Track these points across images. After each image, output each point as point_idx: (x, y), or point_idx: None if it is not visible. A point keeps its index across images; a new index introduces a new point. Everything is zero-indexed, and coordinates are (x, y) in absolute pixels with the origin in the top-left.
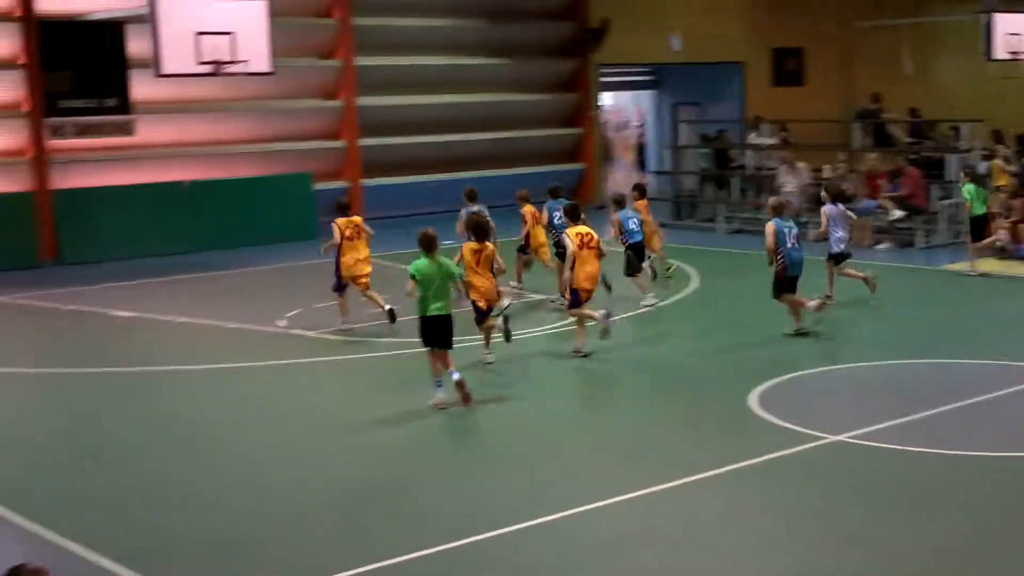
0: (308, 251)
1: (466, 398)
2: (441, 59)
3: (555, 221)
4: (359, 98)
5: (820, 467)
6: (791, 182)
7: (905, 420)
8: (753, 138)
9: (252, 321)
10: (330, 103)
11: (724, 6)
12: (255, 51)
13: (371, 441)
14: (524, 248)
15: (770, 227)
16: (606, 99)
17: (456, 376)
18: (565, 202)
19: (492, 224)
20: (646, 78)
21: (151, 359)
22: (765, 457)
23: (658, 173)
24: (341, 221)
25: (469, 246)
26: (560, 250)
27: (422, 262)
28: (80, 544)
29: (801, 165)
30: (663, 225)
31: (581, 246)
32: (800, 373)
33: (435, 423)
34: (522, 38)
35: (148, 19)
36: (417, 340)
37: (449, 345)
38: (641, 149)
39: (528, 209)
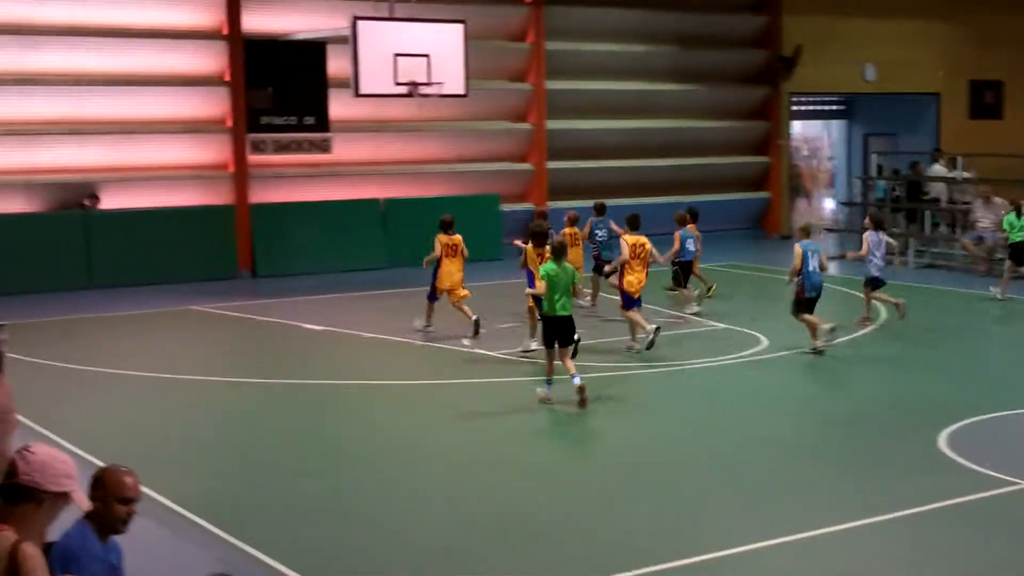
0: (494, 271)
1: (583, 402)
2: (631, 84)
3: (597, 236)
4: (548, 121)
5: (1010, 513)
6: (987, 217)
7: None
8: (934, 171)
9: (439, 339)
10: (520, 126)
11: (921, 36)
12: (450, 73)
13: (536, 465)
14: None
15: (797, 248)
16: (796, 128)
17: (577, 381)
18: (607, 219)
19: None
20: (837, 107)
21: (338, 373)
22: (953, 500)
23: (846, 204)
24: (443, 237)
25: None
26: (599, 263)
27: (551, 266)
28: (262, 552)
29: (998, 200)
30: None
31: (633, 256)
32: (995, 415)
33: (602, 455)
34: (712, 65)
35: (349, 40)
36: (596, 364)
37: (571, 342)
38: (830, 179)
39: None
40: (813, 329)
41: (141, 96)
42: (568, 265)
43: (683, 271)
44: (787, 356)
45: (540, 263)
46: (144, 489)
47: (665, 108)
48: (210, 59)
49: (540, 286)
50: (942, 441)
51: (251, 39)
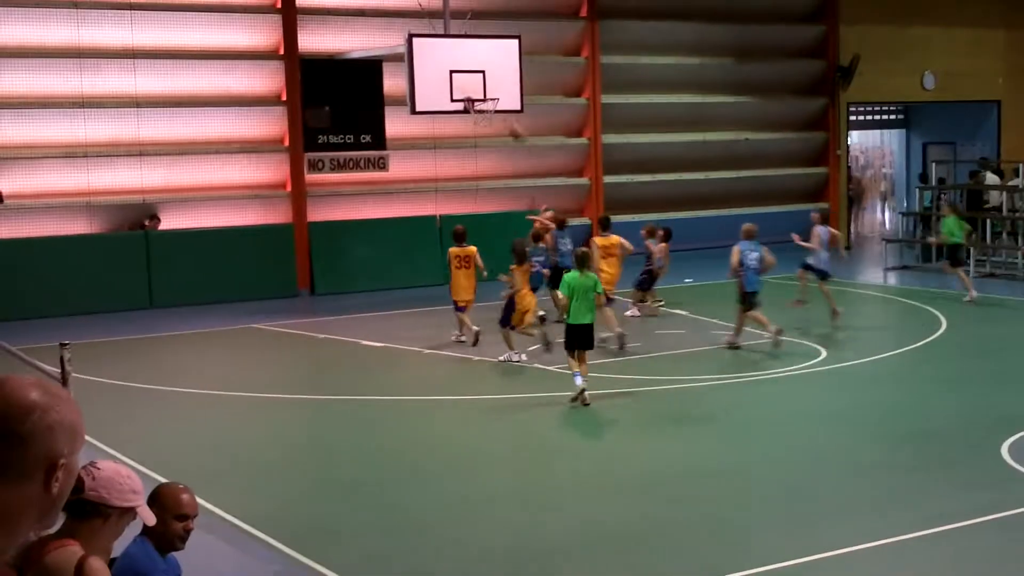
0: None
1: (578, 400)
2: (686, 97)
3: (560, 250)
4: (604, 135)
5: None
6: None
7: None
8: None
9: (494, 353)
10: (575, 140)
11: (980, 43)
12: (506, 89)
13: (616, 478)
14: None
15: (736, 249)
16: (853, 138)
17: (578, 381)
18: (566, 232)
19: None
20: (895, 116)
21: (398, 389)
22: (1017, 511)
23: (905, 214)
24: (454, 249)
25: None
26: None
27: (573, 275)
28: (323, 566)
29: None
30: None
31: (605, 254)
32: None
33: (686, 461)
34: (769, 76)
35: (404, 58)
36: (656, 378)
37: (591, 347)
38: (890, 189)
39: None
40: (762, 324)
41: (200, 117)
42: (591, 274)
43: (650, 278)
44: (846, 368)
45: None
46: (207, 505)
47: (721, 120)
48: (267, 79)
49: (562, 297)
50: (1005, 451)
51: (308, 59)
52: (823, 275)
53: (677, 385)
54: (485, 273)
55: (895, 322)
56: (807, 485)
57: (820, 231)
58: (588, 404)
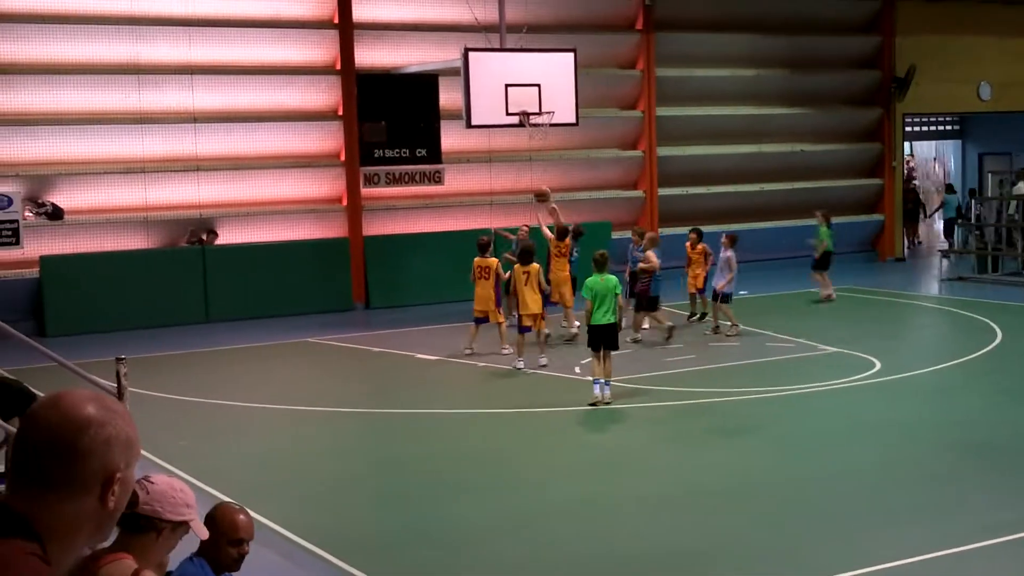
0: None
1: (595, 404)
2: (741, 109)
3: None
4: (659, 148)
5: None
6: None
7: None
8: (1018, 190)
9: (555, 368)
10: (630, 153)
11: None
12: (561, 102)
13: (672, 492)
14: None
15: (652, 255)
16: (908, 149)
17: (596, 390)
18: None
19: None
20: (950, 127)
21: (454, 402)
22: None
23: (960, 224)
24: (477, 260)
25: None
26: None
27: (593, 278)
28: None
29: None
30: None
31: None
32: None
33: (743, 474)
34: (824, 87)
35: (460, 72)
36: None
37: (614, 347)
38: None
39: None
40: (662, 323)
41: (256, 132)
42: (610, 276)
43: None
44: (902, 379)
45: (526, 283)
46: (260, 518)
47: (776, 132)
48: (324, 94)
49: (587, 304)
50: None
51: (364, 73)
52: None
53: (731, 397)
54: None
55: (950, 333)
56: (867, 497)
57: (731, 255)
58: (596, 404)
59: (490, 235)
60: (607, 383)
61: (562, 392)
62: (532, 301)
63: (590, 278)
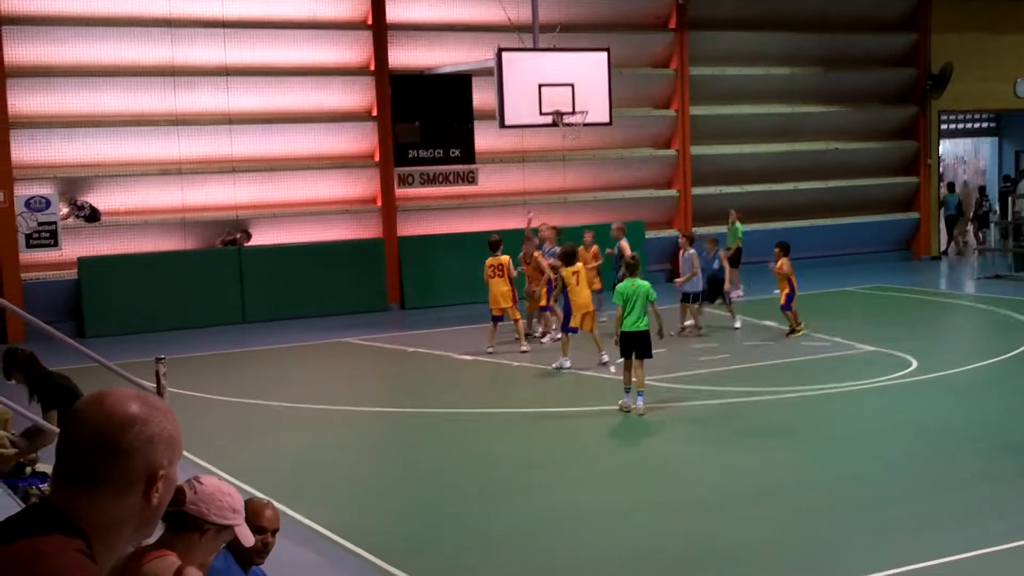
0: None
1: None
2: (775, 108)
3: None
4: (692, 147)
5: None
6: None
7: None
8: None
9: (583, 366)
10: (664, 152)
11: None
12: (595, 102)
13: (705, 493)
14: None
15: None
16: (944, 147)
17: (627, 400)
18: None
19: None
20: (987, 124)
21: (490, 401)
22: None
23: (997, 223)
24: (489, 260)
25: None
26: None
27: (625, 283)
28: None
29: None
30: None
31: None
32: None
33: (776, 474)
34: (859, 85)
35: (494, 72)
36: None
37: (647, 355)
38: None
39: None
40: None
41: (291, 133)
42: (642, 282)
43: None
44: (938, 378)
45: (577, 283)
46: (296, 516)
47: (810, 130)
48: (358, 95)
49: (617, 310)
50: None
51: (398, 74)
52: (696, 297)
53: (766, 396)
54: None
55: (987, 331)
56: (901, 497)
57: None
58: (629, 411)
59: (500, 235)
60: (640, 393)
61: (597, 393)
62: (582, 301)
63: (622, 283)
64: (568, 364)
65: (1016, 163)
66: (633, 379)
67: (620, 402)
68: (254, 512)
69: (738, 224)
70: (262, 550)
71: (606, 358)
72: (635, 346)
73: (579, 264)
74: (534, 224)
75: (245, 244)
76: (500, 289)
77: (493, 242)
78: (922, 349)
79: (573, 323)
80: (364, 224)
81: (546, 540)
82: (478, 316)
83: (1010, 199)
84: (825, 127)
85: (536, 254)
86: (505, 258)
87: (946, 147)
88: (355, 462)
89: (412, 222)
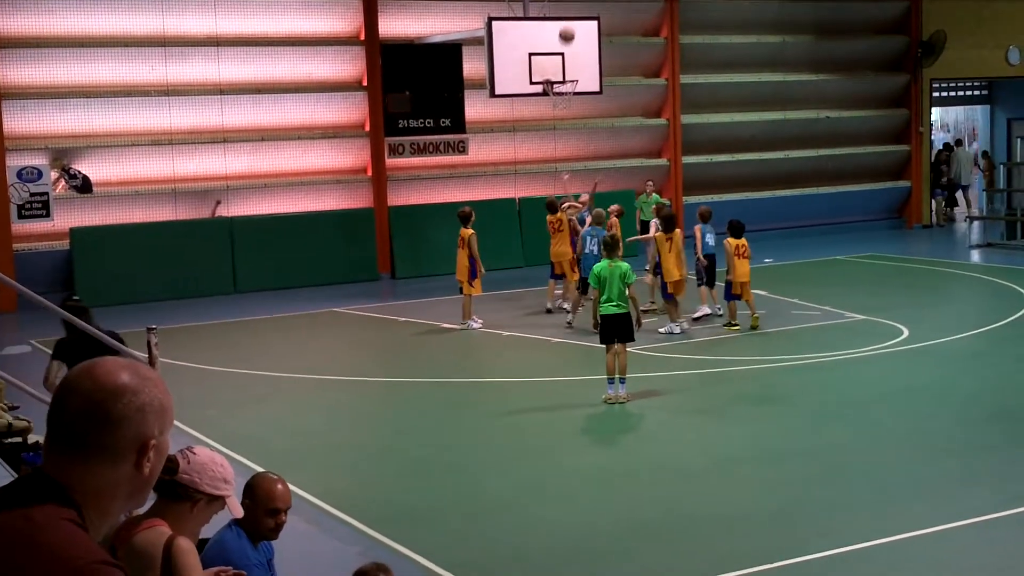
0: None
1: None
2: (766, 76)
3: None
4: (683, 116)
5: None
6: None
7: None
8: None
9: (574, 336)
10: (654, 121)
11: None
12: (585, 71)
13: (697, 461)
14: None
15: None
16: (935, 115)
17: (611, 391)
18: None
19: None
20: (979, 92)
21: (479, 371)
22: None
23: (988, 191)
24: (464, 231)
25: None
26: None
27: (602, 264)
28: (407, 548)
29: None
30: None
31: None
32: None
33: (767, 442)
34: (850, 53)
35: (484, 41)
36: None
37: (629, 338)
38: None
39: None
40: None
41: (282, 103)
42: (621, 263)
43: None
44: (929, 347)
45: (670, 250)
46: (291, 487)
47: (801, 99)
48: (348, 65)
49: (593, 292)
50: None
51: (388, 44)
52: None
53: (757, 366)
54: (481, 270)
55: (978, 299)
56: (893, 465)
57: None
58: (623, 402)
59: (471, 207)
60: (623, 380)
61: (588, 362)
62: (675, 267)
63: (599, 264)
64: (678, 330)
65: (1008, 131)
66: (615, 365)
67: (604, 396)
68: (266, 493)
69: (655, 196)
70: (276, 529)
71: (676, 329)
72: (615, 330)
73: (677, 231)
74: (583, 189)
75: (216, 215)
76: (460, 263)
77: (464, 214)
78: (913, 317)
79: (670, 289)
80: (355, 194)
81: (539, 507)
82: None
83: (1004, 168)
84: (817, 95)
85: (564, 216)
86: (468, 231)
87: (959, 113)
88: (346, 432)
89: (403, 192)
